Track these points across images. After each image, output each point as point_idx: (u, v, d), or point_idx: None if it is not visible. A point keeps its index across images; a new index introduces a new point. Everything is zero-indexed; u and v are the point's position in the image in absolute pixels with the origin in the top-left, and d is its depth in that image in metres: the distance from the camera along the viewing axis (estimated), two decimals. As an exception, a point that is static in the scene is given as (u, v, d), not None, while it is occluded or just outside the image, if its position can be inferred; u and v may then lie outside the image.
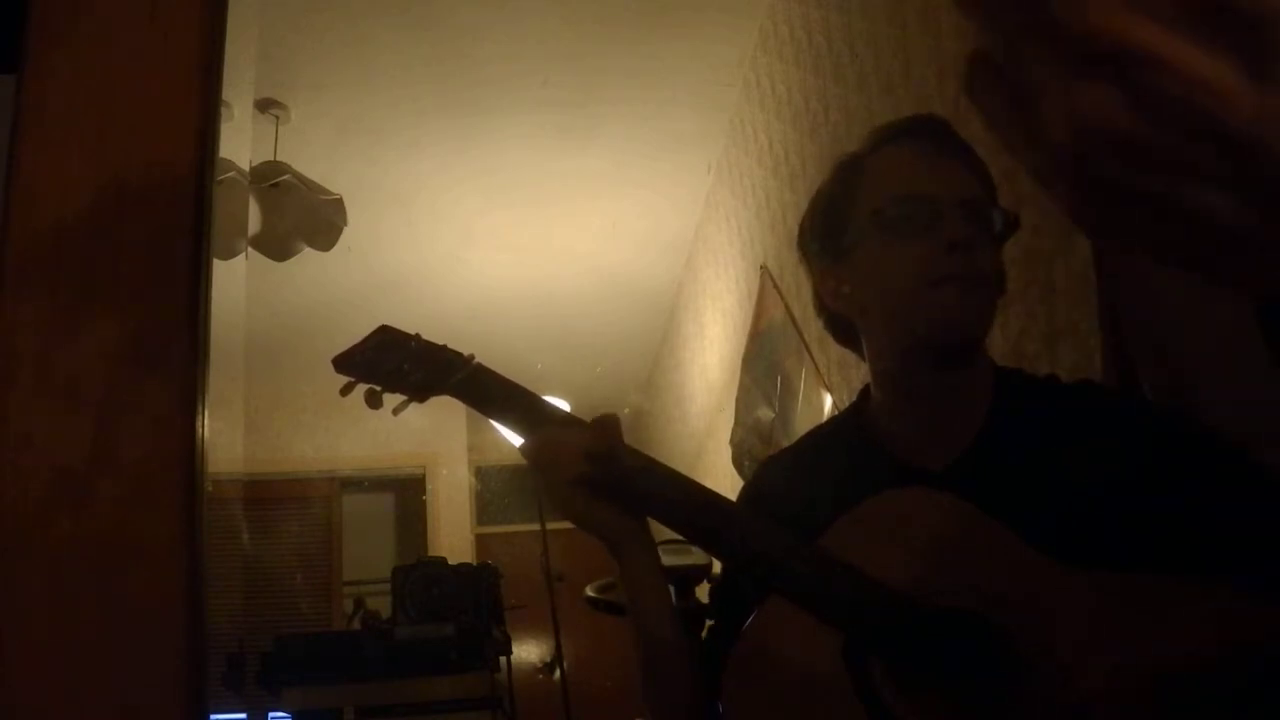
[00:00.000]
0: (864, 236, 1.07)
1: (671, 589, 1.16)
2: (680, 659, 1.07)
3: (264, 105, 3.54)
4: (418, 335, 1.12)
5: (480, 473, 6.38)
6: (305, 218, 3.33)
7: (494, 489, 6.43)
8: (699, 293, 4.77)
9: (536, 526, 3.79)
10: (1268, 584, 0.88)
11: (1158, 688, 0.86)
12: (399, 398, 1.09)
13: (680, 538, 1.06)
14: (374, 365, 1.10)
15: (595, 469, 1.02)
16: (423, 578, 2.94)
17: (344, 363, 1.10)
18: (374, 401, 1.09)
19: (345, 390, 1.10)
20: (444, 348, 1.12)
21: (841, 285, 1.10)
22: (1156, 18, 0.29)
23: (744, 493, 1.21)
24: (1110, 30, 0.29)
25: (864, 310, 1.10)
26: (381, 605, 3.16)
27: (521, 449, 1.06)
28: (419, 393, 1.09)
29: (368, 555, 5.73)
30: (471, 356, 1.11)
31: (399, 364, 1.09)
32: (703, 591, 1.23)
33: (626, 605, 1.07)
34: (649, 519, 1.07)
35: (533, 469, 1.05)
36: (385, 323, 1.14)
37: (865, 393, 1.15)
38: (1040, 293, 1.74)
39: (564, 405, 1.19)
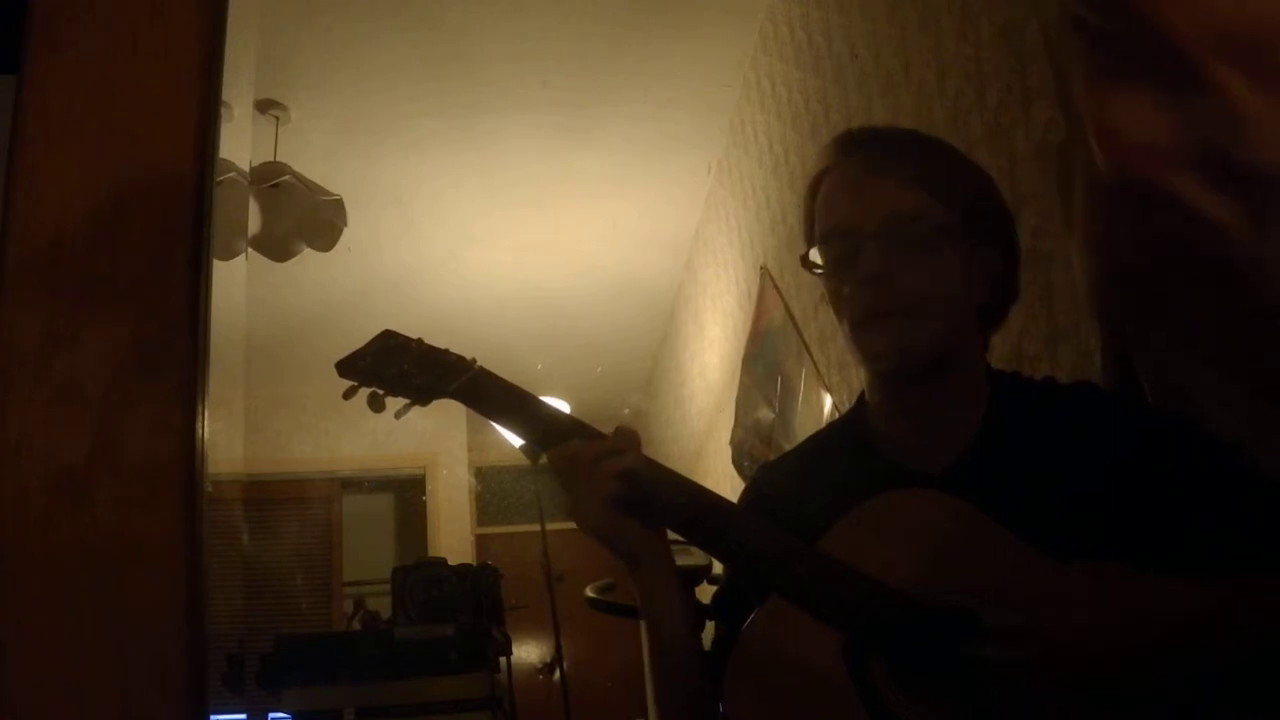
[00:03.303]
0: (820, 265, 1.10)
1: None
2: (699, 674, 1.06)
3: (264, 105, 3.54)
4: (420, 339, 1.12)
5: (480, 473, 6.39)
6: (305, 218, 3.33)
7: (494, 489, 6.43)
8: (699, 293, 4.77)
9: (536, 527, 3.80)
10: (1265, 582, 0.88)
11: (1153, 684, 0.86)
12: (402, 402, 1.10)
13: (680, 538, 1.06)
14: (377, 370, 1.10)
15: (627, 487, 1.01)
16: (423, 578, 2.94)
17: (347, 367, 1.10)
18: (377, 406, 1.10)
19: (348, 394, 1.10)
20: (446, 352, 1.12)
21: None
22: (1178, 161, 0.31)
23: (744, 495, 1.21)
24: (1153, 179, 0.31)
25: None
26: (381, 606, 3.16)
27: (548, 460, 1.05)
28: (422, 397, 1.09)
29: (368, 556, 5.74)
30: (474, 360, 1.11)
31: (401, 368, 1.09)
32: (703, 592, 1.23)
33: (642, 618, 1.06)
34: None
35: (560, 482, 1.04)
36: (387, 326, 1.14)
37: (863, 396, 1.15)
38: (1040, 293, 1.74)
39: (564, 406, 1.19)
